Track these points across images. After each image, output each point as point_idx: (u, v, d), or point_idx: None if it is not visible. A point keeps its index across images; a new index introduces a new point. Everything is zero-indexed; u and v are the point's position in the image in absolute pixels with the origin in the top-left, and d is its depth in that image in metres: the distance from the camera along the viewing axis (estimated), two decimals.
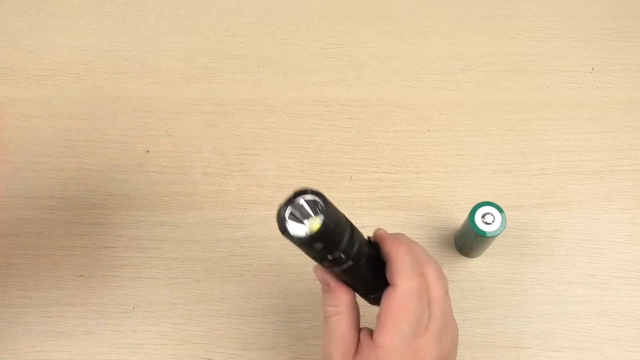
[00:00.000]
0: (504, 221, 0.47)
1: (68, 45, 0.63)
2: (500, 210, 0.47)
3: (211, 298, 0.53)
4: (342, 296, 0.38)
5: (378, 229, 0.39)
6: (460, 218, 0.54)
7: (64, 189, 0.57)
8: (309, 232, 0.32)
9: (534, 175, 0.57)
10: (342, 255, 0.34)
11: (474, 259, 0.54)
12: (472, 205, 0.48)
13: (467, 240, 0.50)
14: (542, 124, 0.59)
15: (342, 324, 0.37)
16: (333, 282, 0.38)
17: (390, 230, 0.54)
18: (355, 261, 0.35)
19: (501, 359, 0.50)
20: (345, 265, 0.35)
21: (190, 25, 0.65)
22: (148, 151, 0.58)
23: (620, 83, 0.61)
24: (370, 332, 0.37)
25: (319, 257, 0.34)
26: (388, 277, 0.36)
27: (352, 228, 0.35)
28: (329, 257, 0.34)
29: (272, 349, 0.51)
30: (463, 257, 0.54)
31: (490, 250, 0.54)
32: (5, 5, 0.66)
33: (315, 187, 0.33)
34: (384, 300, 0.36)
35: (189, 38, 0.64)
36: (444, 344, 0.37)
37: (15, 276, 0.53)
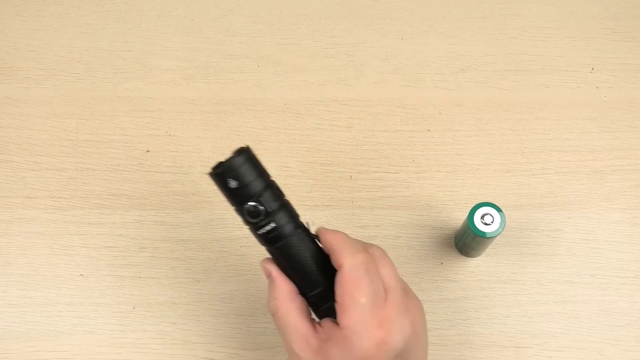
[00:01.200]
0: (503, 221, 0.47)
1: (68, 45, 0.63)
2: (500, 210, 0.47)
3: (211, 298, 0.53)
4: (283, 285, 0.38)
5: (318, 227, 0.40)
6: (461, 218, 0.54)
7: (64, 189, 0.57)
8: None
9: (534, 175, 0.57)
10: (262, 208, 0.36)
11: (474, 258, 0.54)
12: (472, 205, 0.48)
13: (467, 241, 0.50)
14: (542, 123, 0.59)
15: (290, 317, 0.37)
16: (275, 271, 0.38)
17: (391, 230, 0.55)
18: (285, 230, 0.37)
19: (501, 359, 0.50)
20: (270, 228, 0.36)
21: (190, 25, 0.65)
22: (148, 151, 0.58)
23: (621, 83, 0.61)
24: (334, 321, 0.37)
25: (239, 206, 0.36)
26: (334, 265, 0.37)
27: (276, 187, 0.38)
28: (248, 206, 0.36)
29: (272, 348, 0.51)
30: (463, 257, 0.54)
31: (490, 250, 0.54)
32: (5, 5, 0.66)
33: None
34: (336, 287, 0.36)
35: (189, 38, 0.64)
36: (411, 316, 0.37)
37: (15, 276, 0.53)
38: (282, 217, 0.37)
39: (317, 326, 0.37)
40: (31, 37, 0.64)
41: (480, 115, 0.60)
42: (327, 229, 0.39)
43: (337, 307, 0.36)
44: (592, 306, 0.52)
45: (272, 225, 0.37)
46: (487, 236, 0.47)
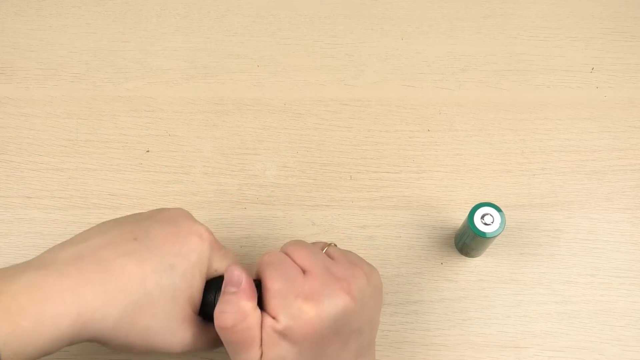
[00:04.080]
0: (503, 221, 0.47)
1: (68, 45, 0.63)
2: (500, 210, 0.47)
3: None
4: (254, 296, 0.37)
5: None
6: (461, 218, 0.54)
7: (64, 189, 0.57)
8: None
9: (534, 175, 0.57)
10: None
11: (474, 258, 0.54)
12: (472, 205, 0.48)
13: (467, 241, 0.50)
14: (542, 123, 0.59)
15: (257, 327, 0.36)
16: (247, 281, 0.37)
17: (391, 230, 0.55)
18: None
19: (501, 359, 0.50)
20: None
21: (190, 24, 0.65)
22: (148, 151, 0.58)
23: (621, 83, 0.61)
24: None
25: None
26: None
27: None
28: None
29: None
30: (463, 257, 0.54)
31: (490, 250, 0.54)
32: (5, 5, 0.66)
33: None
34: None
35: (189, 38, 0.64)
36: (344, 283, 0.37)
37: None
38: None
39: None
40: (31, 37, 0.64)
41: (480, 115, 0.60)
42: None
43: (265, 301, 0.37)
44: (592, 306, 0.52)
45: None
46: (487, 236, 0.47)
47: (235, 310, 0.36)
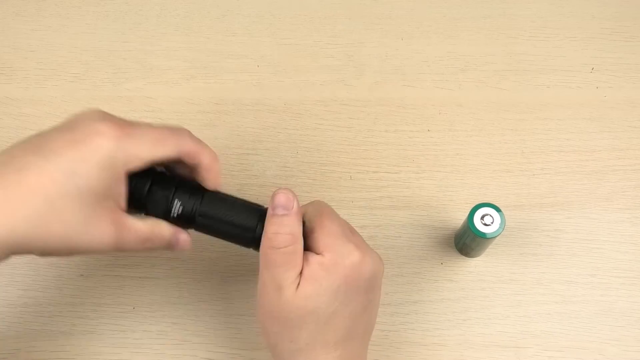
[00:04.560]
0: (503, 222, 0.47)
1: (68, 45, 0.63)
2: (500, 211, 0.47)
3: (211, 298, 0.53)
4: (300, 222, 0.40)
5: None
6: (461, 218, 0.54)
7: None
8: None
9: (534, 175, 0.57)
10: (164, 192, 0.40)
11: (474, 258, 0.54)
12: (472, 205, 0.48)
13: (467, 241, 0.50)
14: (542, 123, 0.59)
15: (301, 254, 0.39)
16: (299, 206, 0.40)
17: (391, 230, 0.55)
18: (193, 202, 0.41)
19: (501, 359, 0.50)
20: (179, 205, 0.40)
21: (190, 25, 0.65)
22: None
23: (621, 83, 0.61)
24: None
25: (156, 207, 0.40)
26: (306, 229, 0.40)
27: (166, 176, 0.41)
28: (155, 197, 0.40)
29: None
30: (463, 257, 0.54)
31: (490, 250, 0.54)
32: (5, 5, 0.66)
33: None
34: (311, 224, 0.40)
35: (189, 38, 0.64)
36: (376, 254, 0.41)
37: (15, 276, 0.53)
38: (182, 193, 0.41)
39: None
40: (31, 37, 0.64)
41: (480, 115, 0.60)
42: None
43: (315, 238, 0.40)
44: (592, 306, 0.52)
45: (179, 202, 0.40)
46: (487, 237, 0.47)
47: (289, 232, 0.39)
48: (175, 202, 0.40)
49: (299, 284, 0.38)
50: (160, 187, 0.40)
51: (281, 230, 0.39)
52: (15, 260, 0.54)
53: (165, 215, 0.41)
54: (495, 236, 0.47)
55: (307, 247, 0.40)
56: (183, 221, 0.41)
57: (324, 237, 0.39)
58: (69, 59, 0.63)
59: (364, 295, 0.40)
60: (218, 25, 0.65)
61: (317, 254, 0.39)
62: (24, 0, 0.66)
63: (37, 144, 0.37)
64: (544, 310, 0.52)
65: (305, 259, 0.39)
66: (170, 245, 0.41)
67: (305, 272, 0.39)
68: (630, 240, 0.54)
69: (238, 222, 0.41)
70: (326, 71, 0.62)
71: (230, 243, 0.43)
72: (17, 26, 0.64)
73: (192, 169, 0.41)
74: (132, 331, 0.52)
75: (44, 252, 0.36)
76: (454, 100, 0.60)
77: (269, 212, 0.40)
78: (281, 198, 0.39)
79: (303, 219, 0.41)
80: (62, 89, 0.61)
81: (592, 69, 0.62)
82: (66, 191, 0.35)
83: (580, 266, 0.53)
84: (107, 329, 0.52)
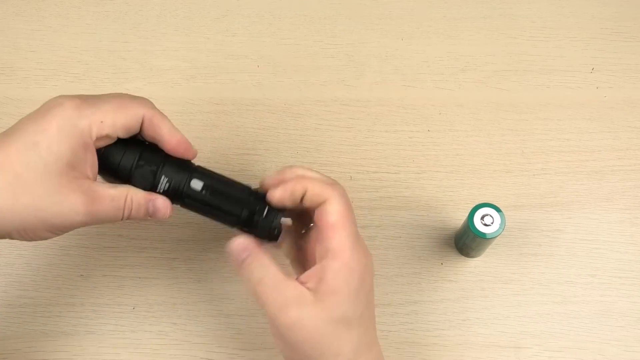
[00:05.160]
0: (503, 222, 0.47)
1: (68, 45, 0.63)
2: (500, 211, 0.47)
3: (211, 298, 0.53)
4: (265, 259, 0.39)
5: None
6: (461, 218, 0.54)
7: None
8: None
9: (534, 175, 0.57)
10: (149, 168, 0.40)
11: (474, 259, 0.54)
12: (472, 205, 0.48)
13: (467, 241, 0.50)
14: (542, 124, 0.59)
15: (277, 278, 0.38)
16: (254, 247, 0.40)
17: (391, 230, 0.55)
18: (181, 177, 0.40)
19: (501, 359, 0.50)
20: (166, 182, 0.40)
21: (190, 25, 0.65)
22: None
23: (621, 83, 0.61)
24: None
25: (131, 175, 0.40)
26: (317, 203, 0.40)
27: (153, 149, 0.41)
28: (139, 170, 0.40)
29: (272, 349, 0.51)
30: (463, 257, 0.54)
31: (490, 250, 0.54)
32: (5, 5, 0.66)
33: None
34: (325, 217, 0.39)
35: (189, 38, 0.64)
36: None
37: (15, 276, 0.53)
38: (170, 169, 0.41)
39: (296, 281, 0.39)
40: (31, 37, 0.64)
41: (480, 115, 0.60)
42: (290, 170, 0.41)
43: (332, 237, 0.38)
44: (592, 306, 0.52)
45: (165, 179, 0.40)
46: (487, 237, 0.47)
47: (263, 267, 0.39)
48: (162, 178, 0.40)
49: (315, 298, 0.38)
50: (147, 162, 0.40)
51: (256, 273, 0.39)
52: (14, 260, 0.54)
53: (151, 191, 0.41)
54: (495, 236, 0.47)
55: (317, 239, 0.40)
56: (169, 197, 0.41)
57: (343, 240, 0.38)
58: (69, 59, 0.63)
59: (371, 291, 0.40)
60: (218, 25, 0.65)
61: (328, 257, 0.38)
62: (24, 0, 0.66)
63: (8, 129, 0.38)
64: (544, 310, 0.52)
65: (322, 271, 0.38)
66: (148, 213, 0.40)
67: (324, 280, 0.38)
68: (630, 240, 0.54)
69: (225, 208, 0.41)
70: (326, 71, 0.62)
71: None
72: (17, 26, 0.64)
73: (157, 140, 0.40)
74: (132, 331, 0.51)
75: (20, 229, 0.37)
76: (454, 100, 0.60)
77: (234, 265, 0.40)
78: (238, 246, 0.39)
79: (323, 199, 0.40)
80: (62, 89, 0.61)
81: (592, 69, 0.62)
82: (30, 162, 0.36)
83: (580, 266, 0.53)
84: (107, 329, 0.52)
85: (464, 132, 0.59)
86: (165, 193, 0.41)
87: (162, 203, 0.40)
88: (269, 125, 0.59)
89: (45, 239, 0.38)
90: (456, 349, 0.51)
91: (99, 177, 0.40)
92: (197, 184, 0.41)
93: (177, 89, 0.61)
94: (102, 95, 0.39)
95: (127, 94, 0.40)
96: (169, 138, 0.40)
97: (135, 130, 0.39)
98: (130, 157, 0.40)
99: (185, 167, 0.41)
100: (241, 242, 0.39)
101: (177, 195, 0.41)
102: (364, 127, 0.59)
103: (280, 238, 0.41)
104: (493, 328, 0.51)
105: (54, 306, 0.52)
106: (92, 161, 0.38)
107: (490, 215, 0.47)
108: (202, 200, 0.41)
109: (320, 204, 0.39)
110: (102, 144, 0.39)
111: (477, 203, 0.48)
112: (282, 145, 0.58)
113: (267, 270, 0.39)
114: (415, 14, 0.65)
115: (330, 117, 0.60)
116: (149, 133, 0.40)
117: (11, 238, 0.38)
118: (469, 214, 0.48)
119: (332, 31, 0.64)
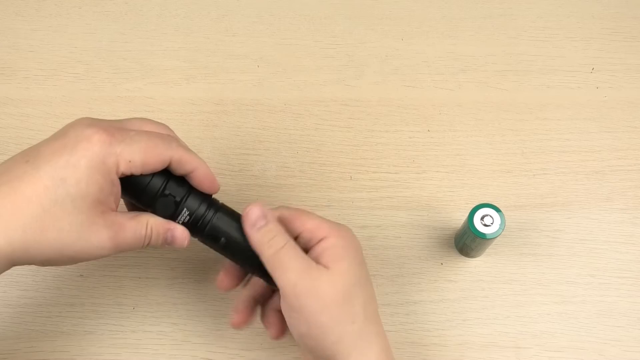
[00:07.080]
0: (503, 222, 0.47)
1: (68, 45, 0.63)
2: (499, 211, 0.47)
3: (211, 298, 0.53)
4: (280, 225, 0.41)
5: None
6: (461, 218, 0.54)
7: None
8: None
9: (534, 175, 0.57)
10: (172, 198, 0.40)
11: (474, 259, 0.54)
12: (472, 205, 0.48)
13: (467, 241, 0.50)
14: (542, 124, 0.59)
15: (296, 248, 0.40)
16: (272, 216, 0.41)
17: (391, 230, 0.55)
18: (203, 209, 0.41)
19: (501, 359, 0.50)
20: (185, 215, 0.40)
21: (190, 25, 0.65)
22: None
23: (621, 83, 0.61)
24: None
25: (152, 203, 0.40)
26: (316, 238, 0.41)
27: (176, 178, 0.41)
28: (164, 197, 0.40)
29: (272, 349, 0.51)
30: (463, 257, 0.54)
31: (490, 250, 0.54)
32: (5, 5, 0.66)
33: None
34: (325, 249, 0.41)
35: (189, 38, 0.64)
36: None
37: (15, 276, 0.53)
38: (192, 202, 0.41)
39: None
40: (31, 37, 0.64)
41: (480, 115, 0.60)
42: (290, 211, 0.42)
43: (317, 228, 0.41)
44: (592, 306, 0.52)
45: (187, 211, 0.41)
46: (487, 237, 0.47)
47: (278, 233, 0.40)
48: (184, 210, 0.40)
49: (324, 267, 0.39)
50: (172, 192, 0.40)
51: (270, 235, 0.40)
52: None
53: (171, 219, 0.41)
54: (495, 237, 0.47)
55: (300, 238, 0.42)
56: (188, 228, 0.41)
57: (325, 223, 0.41)
58: (69, 59, 0.63)
59: (365, 262, 0.42)
60: (218, 25, 0.65)
61: (320, 241, 0.41)
62: (24, 0, 0.66)
63: (29, 154, 0.37)
64: (544, 310, 0.52)
65: (318, 250, 0.40)
66: (166, 242, 0.41)
67: (325, 254, 0.40)
68: (630, 241, 0.54)
69: (242, 259, 0.43)
70: (326, 71, 0.62)
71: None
72: (17, 26, 0.64)
73: (183, 174, 0.41)
74: (132, 331, 0.51)
75: (44, 261, 0.37)
76: (454, 100, 0.60)
77: (249, 229, 0.40)
78: (255, 212, 0.40)
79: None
80: (62, 89, 0.61)
81: (592, 69, 0.62)
82: (58, 198, 0.36)
83: (580, 266, 0.53)
84: (107, 329, 0.51)
85: (464, 132, 0.59)
86: (184, 224, 0.41)
87: (180, 233, 0.41)
88: (269, 125, 0.59)
89: (66, 265, 0.39)
90: (456, 349, 0.51)
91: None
92: (216, 230, 0.41)
93: (177, 89, 0.61)
94: (130, 129, 0.39)
95: (155, 132, 0.40)
96: (196, 174, 0.40)
97: (162, 168, 0.40)
98: (155, 185, 0.40)
99: (208, 202, 0.41)
100: (259, 209, 0.40)
101: (196, 229, 0.41)
102: (364, 127, 0.59)
103: None
104: (493, 328, 0.51)
105: (54, 306, 0.52)
106: (117, 193, 0.38)
107: (490, 216, 0.47)
108: (217, 246, 0.42)
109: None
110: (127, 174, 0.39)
111: (477, 203, 0.48)
112: (282, 145, 0.58)
113: (289, 238, 0.40)
114: (415, 14, 0.65)
115: (330, 117, 0.60)
116: (176, 170, 0.40)
117: (33, 264, 0.38)
118: (469, 214, 0.48)
119: (332, 31, 0.64)
